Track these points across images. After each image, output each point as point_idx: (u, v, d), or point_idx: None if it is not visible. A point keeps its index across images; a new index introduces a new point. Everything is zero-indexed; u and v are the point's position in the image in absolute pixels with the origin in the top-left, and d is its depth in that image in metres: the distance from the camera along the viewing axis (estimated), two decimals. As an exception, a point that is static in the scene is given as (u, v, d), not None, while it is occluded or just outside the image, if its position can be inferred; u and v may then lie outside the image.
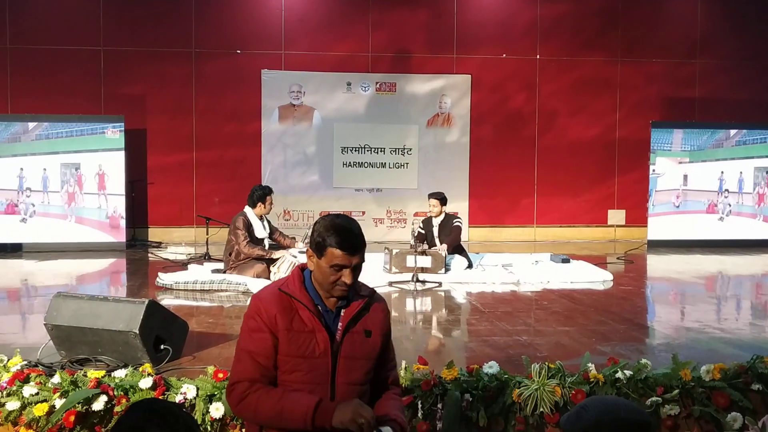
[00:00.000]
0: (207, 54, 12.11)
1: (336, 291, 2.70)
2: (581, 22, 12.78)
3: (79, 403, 3.91)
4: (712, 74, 12.96)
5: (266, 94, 12.20)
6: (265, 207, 8.07)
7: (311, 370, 2.68)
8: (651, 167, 11.93)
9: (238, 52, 12.16)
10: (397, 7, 12.43)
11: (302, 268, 2.83)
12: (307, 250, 2.73)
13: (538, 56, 12.69)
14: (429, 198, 8.91)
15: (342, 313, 2.75)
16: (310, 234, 2.81)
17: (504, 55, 12.64)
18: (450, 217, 8.89)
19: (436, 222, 8.86)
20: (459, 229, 8.83)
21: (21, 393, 4.03)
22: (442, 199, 8.85)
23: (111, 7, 11.87)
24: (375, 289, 2.92)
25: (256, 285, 7.49)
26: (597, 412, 1.98)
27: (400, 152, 12.47)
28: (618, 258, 10.55)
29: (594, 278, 8.47)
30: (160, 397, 3.92)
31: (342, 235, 2.65)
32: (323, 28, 12.33)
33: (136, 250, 11.16)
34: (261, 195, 8.06)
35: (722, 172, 12.13)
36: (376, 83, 12.40)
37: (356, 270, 2.69)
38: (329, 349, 2.70)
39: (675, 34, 12.92)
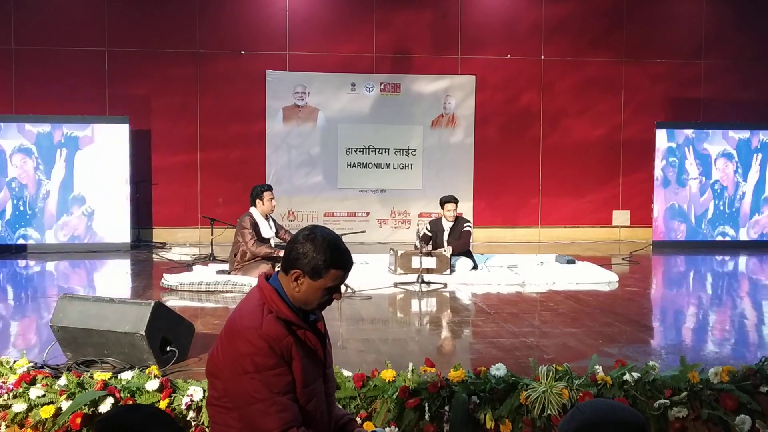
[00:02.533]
0: (211, 55, 12.11)
1: (320, 308, 2.59)
2: (586, 22, 12.76)
3: (85, 405, 3.90)
4: (718, 74, 12.92)
5: (270, 95, 12.20)
6: (264, 204, 8.05)
7: (318, 393, 2.58)
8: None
9: (243, 53, 12.16)
10: (402, 8, 12.42)
11: (267, 276, 2.62)
12: (294, 272, 2.50)
13: (542, 57, 12.67)
14: (445, 203, 8.79)
15: (317, 325, 2.65)
16: (291, 255, 2.52)
17: (508, 56, 12.62)
18: (461, 221, 8.87)
19: (447, 225, 8.83)
20: (469, 234, 8.82)
21: (27, 395, 4.03)
22: (458, 202, 8.87)
23: (116, 9, 11.87)
24: None
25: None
26: (592, 412, 1.99)
27: (405, 153, 12.46)
28: (623, 259, 10.53)
29: (599, 279, 8.46)
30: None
31: (343, 255, 2.53)
32: (327, 29, 12.32)
33: (140, 251, 11.15)
34: (258, 192, 8.08)
35: None
36: (381, 84, 12.39)
37: None
38: (323, 366, 2.62)
39: (680, 35, 12.89)
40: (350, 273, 2.59)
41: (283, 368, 2.44)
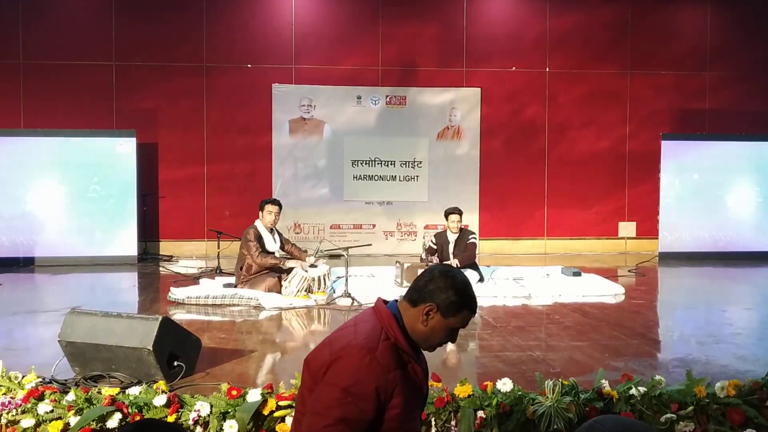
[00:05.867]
0: (218, 68, 12.18)
1: (434, 348, 2.57)
2: (590, 34, 12.79)
3: (93, 421, 3.92)
4: (723, 86, 12.94)
5: (277, 108, 12.26)
6: (263, 216, 8.10)
7: (415, 429, 2.55)
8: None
9: (249, 66, 12.23)
10: (407, 21, 12.48)
11: (385, 302, 2.59)
12: (428, 306, 2.47)
13: (547, 69, 12.70)
14: (449, 214, 8.85)
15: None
16: (428, 287, 2.51)
17: (513, 68, 12.66)
18: (466, 233, 8.88)
19: (452, 237, 8.84)
20: (474, 246, 8.84)
21: (36, 410, 4.05)
22: (462, 214, 8.89)
23: (123, 23, 11.97)
24: None
25: (268, 299, 7.52)
26: (612, 427, 1.99)
27: (411, 165, 12.49)
28: (629, 271, 10.52)
29: (605, 291, 8.45)
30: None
31: (475, 299, 2.56)
32: (333, 42, 12.39)
33: (147, 264, 11.19)
34: (261, 205, 8.19)
35: None
36: (386, 96, 12.43)
37: None
38: (424, 402, 2.65)
39: (685, 46, 12.92)
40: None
41: (369, 407, 2.34)
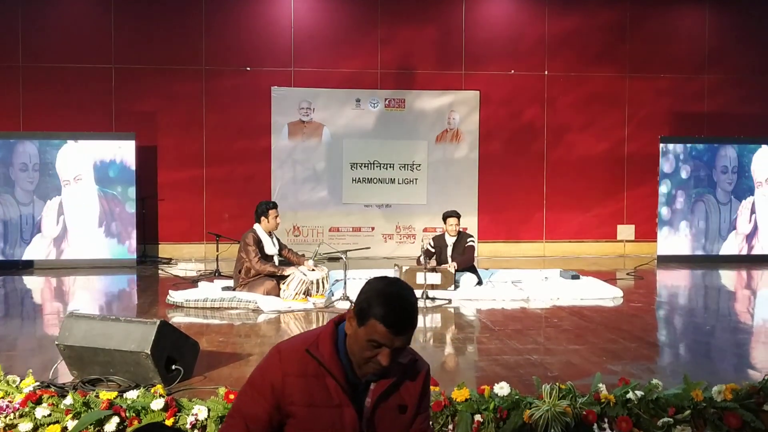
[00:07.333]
0: (217, 71, 12.19)
1: (367, 368, 2.30)
2: (589, 37, 12.81)
3: (91, 425, 3.91)
4: (721, 89, 12.96)
5: (276, 111, 12.27)
6: (269, 221, 8.08)
7: None
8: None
9: (248, 69, 12.24)
10: (406, 24, 12.50)
11: (337, 322, 2.41)
12: (349, 311, 2.31)
13: (546, 72, 12.72)
14: (447, 218, 8.86)
15: (372, 387, 2.38)
16: (357, 295, 2.35)
17: (512, 71, 12.67)
18: (464, 236, 8.89)
19: (450, 240, 8.85)
20: (473, 249, 8.84)
21: (33, 414, 4.04)
22: (460, 217, 8.89)
23: (122, 25, 11.98)
24: (417, 354, 2.52)
25: (267, 302, 7.53)
26: None
27: (409, 168, 12.50)
28: (628, 274, 10.51)
29: (604, 295, 8.45)
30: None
31: (391, 309, 2.22)
32: (332, 45, 12.40)
33: (146, 267, 11.20)
34: (263, 210, 8.10)
35: None
36: (385, 99, 12.45)
37: (397, 352, 2.29)
38: (357, 428, 2.34)
39: (683, 49, 12.94)
40: (405, 339, 2.28)
41: (263, 402, 2.32)
